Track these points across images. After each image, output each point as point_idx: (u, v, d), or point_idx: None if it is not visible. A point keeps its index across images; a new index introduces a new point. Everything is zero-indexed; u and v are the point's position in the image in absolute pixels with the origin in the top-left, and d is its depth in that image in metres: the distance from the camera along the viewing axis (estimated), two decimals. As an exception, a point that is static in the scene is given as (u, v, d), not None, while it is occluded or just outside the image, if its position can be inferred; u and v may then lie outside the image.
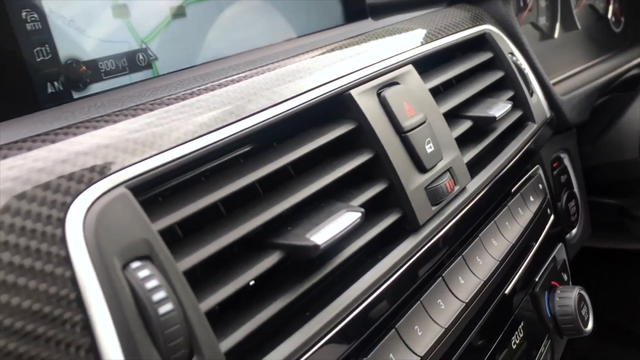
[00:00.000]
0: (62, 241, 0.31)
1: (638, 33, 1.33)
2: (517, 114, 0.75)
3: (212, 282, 0.38)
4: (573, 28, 1.14)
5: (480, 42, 0.77)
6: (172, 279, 0.34)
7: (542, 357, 0.69)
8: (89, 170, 0.35)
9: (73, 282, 0.31)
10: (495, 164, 0.67)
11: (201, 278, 0.38)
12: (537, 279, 0.71)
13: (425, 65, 0.66)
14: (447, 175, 0.57)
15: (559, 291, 0.72)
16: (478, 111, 0.67)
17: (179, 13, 0.58)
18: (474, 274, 0.59)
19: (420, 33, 0.70)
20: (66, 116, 0.42)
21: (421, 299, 0.53)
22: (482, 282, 0.59)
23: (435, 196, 0.55)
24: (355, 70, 0.55)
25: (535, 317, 0.70)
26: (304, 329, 0.41)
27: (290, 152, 0.47)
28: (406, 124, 0.54)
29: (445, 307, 0.54)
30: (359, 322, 0.46)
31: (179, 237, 0.40)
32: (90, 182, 0.34)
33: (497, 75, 0.75)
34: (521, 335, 0.66)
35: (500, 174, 0.67)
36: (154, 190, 0.40)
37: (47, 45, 0.47)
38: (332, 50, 0.59)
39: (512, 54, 0.79)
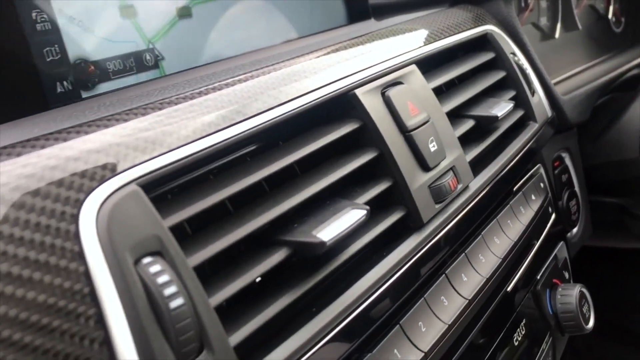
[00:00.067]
0: (76, 237, 0.32)
1: (638, 33, 1.33)
2: (519, 113, 0.76)
3: (221, 277, 0.39)
4: (574, 28, 1.15)
5: (482, 42, 0.78)
6: (182, 275, 0.35)
7: (543, 354, 0.69)
8: (100, 167, 0.35)
9: (87, 276, 0.32)
10: (497, 163, 0.67)
11: (210, 274, 0.39)
12: (538, 277, 0.72)
13: (428, 65, 0.67)
14: (450, 173, 0.58)
15: (560, 289, 0.72)
16: (480, 110, 0.68)
17: (185, 14, 0.58)
18: (476, 271, 0.60)
19: (423, 33, 0.70)
20: (77, 115, 0.42)
21: (425, 296, 0.53)
22: (485, 279, 0.59)
23: (438, 194, 0.55)
24: (359, 70, 0.56)
25: (537, 315, 0.71)
26: (310, 325, 0.42)
27: (296, 150, 0.47)
28: (410, 123, 0.55)
29: (449, 304, 0.55)
30: (364, 318, 0.46)
31: (188, 234, 0.40)
32: (102, 180, 0.35)
33: (499, 75, 0.76)
34: (523, 333, 0.67)
35: (502, 172, 0.68)
36: (164, 188, 0.40)
37: (56, 46, 0.48)
38: (337, 50, 0.60)
39: (513, 54, 0.80)
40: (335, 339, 0.43)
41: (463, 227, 0.59)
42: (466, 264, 0.59)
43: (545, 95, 0.85)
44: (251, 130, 0.45)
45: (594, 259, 1.12)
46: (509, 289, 0.65)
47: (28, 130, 0.39)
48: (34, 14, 0.47)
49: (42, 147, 0.36)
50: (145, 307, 0.32)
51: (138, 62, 0.54)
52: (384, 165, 0.53)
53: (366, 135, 0.53)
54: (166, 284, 0.33)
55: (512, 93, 0.76)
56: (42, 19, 0.47)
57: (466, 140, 0.65)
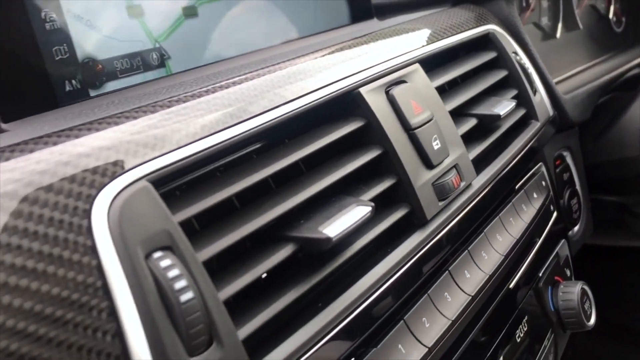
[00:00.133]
0: (89, 231, 0.33)
1: (639, 33, 1.34)
2: (521, 112, 0.77)
3: (229, 272, 0.39)
4: (575, 28, 1.16)
5: (485, 42, 0.79)
6: (192, 269, 0.35)
7: (545, 351, 0.70)
8: (111, 164, 0.36)
9: (99, 270, 0.32)
10: (499, 161, 0.68)
11: (217, 270, 0.40)
12: (540, 274, 0.73)
13: (431, 64, 0.68)
14: (454, 171, 0.58)
15: (562, 286, 0.73)
16: (483, 109, 0.68)
17: (190, 13, 0.59)
18: (479, 268, 0.60)
19: (425, 33, 0.71)
20: (86, 113, 0.43)
21: (428, 292, 0.54)
22: (488, 276, 0.60)
23: (442, 192, 0.56)
24: (363, 69, 0.56)
25: (539, 311, 0.71)
26: (316, 320, 0.43)
27: (302, 148, 0.48)
28: (414, 121, 0.56)
29: (452, 300, 0.56)
30: (369, 313, 0.47)
31: (196, 230, 0.41)
32: (114, 176, 0.35)
33: (501, 74, 0.77)
34: (525, 329, 0.67)
35: (505, 171, 0.68)
36: (172, 185, 0.41)
37: (65, 45, 0.49)
38: (341, 49, 0.61)
39: (515, 53, 0.80)
40: (341, 334, 0.44)
41: (466, 225, 0.60)
42: (469, 261, 0.60)
43: (547, 94, 0.86)
44: (257, 128, 0.46)
45: (594, 257, 1.12)
46: (511, 286, 0.66)
47: (39, 128, 0.40)
48: (43, 14, 0.47)
49: (54, 143, 0.36)
50: (156, 300, 0.33)
51: (145, 61, 0.55)
52: (388, 162, 0.54)
53: (370, 133, 0.54)
54: (176, 278, 0.34)
55: (514, 92, 0.77)
56: (51, 19, 0.48)
57: (469, 139, 0.66)
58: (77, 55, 0.50)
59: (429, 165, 0.56)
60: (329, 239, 0.42)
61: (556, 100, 0.89)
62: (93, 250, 0.33)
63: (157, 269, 0.34)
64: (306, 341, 0.41)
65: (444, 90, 0.68)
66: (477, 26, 0.78)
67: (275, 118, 0.47)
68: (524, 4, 1.05)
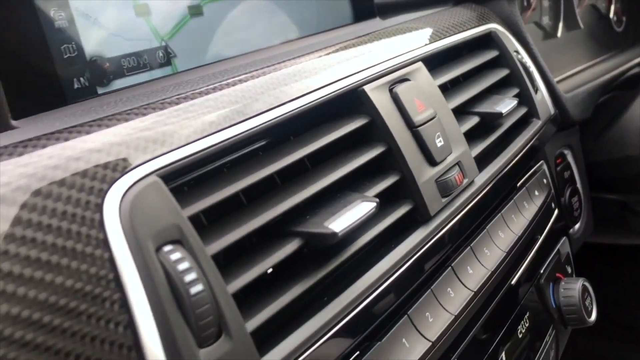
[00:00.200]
0: (101, 225, 0.33)
1: (639, 32, 1.34)
2: (522, 110, 0.77)
3: (237, 266, 0.40)
4: (575, 27, 1.16)
5: (486, 41, 0.79)
6: (201, 262, 0.36)
7: (546, 347, 0.70)
8: (122, 159, 0.37)
9: (111, 262, 0.33)
10: (501, 159, 0.69)
11: (225, 264, 0.40)
12: (542, 271, 0.73)
13: (433, 63, 0.68)
14: (456, 168, 0.59)
15: (563, 283, 0.73)
16: (485, 107, 0.69)
17: (196, 12, 0.60)
18: (481, 264, 0.61)
19: (428, 32, 0.72)
20: (95, 110, 0.44)
21: (432, 287, 0.55)
22: (490, 272, 0.61)
23: (445, 188, 0.57)
24: (367, 67, 0.57)
25: (540, 308, 0.72)
26: (322, 313, 0.43)
27: (307, 145, 0.49)
28: (417, 118, 0.56)
29: (455, 295, 0.56)
30: (373, 308, 0.48)
31: (204, 225, 0.42)
32: (124, 171, 0.36)
33: (503, 72, 0.77)
34: (527, 325, 0.68)
35: (507, 168, 0.69)
36: (180, 180, 0.42)
37: (73, 43, 0.49)
38: (345, 48, 0.61)
39: (517, 52, 0.81)
40: (346, 327, 0.44)
41: (468, 221, 0.61)
42: (471, 257, 0.61)
43: (548, 92, 0.86)
44: (263, 125, 0.46)
45: (595, 255, 1.13)
46: (513, 282, 0.67)
47: (49, 124, 0.41)
48: (51, 12, 0.48)
49: (66, 139, 0.37)
50: (166, 292, 0.34)
51: (151, 59, 0.55)
52: (392, 159, 0.54)
53: (374, 130, 0.54)
54: (186, 271, 0.34)
55: (515, 90, 0.78)
56: (60, 17, 0.48)
57: (471, 136, 0.67)
58: (85, 54, 0.50)
59: (432, 162, 0.57)
60: (334, 234, 0.43)
61: (557, 99, 0.90)
62: (105, 243, 0.33)
63: (167, 262, 0.34)
64: (312, 334, 0.42)
65: (447, 89, 0.69)
66: (479, 25, 0.79)
67: (281, 115, 0.48)
68: (525, 4, 1.05)
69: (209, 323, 0.35)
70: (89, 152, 0.36)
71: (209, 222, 0.42)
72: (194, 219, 0.38)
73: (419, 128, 0.56)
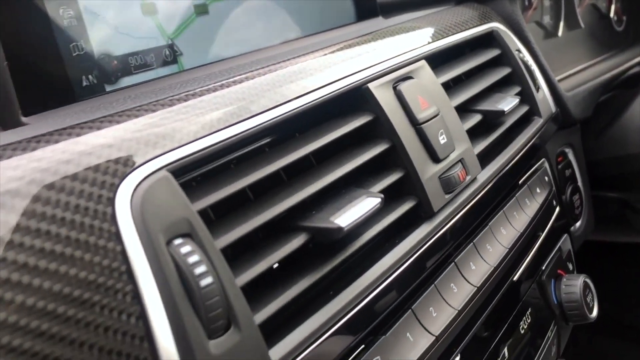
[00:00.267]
0: (113, 218, 0.34)
1: (639, 32, 1.35)
2: (524, 108, 0.78)
3: (245, 260, 0.41)
4: (576, 27, 1.17)
5: (488, 40, 0.80)
6: (210, 256, 0.37)
7: (548, 342, 0.71)
8: (132, 154, 0.37)
9: (123, 255, 0.34)
10: (503, 156, 0.69)
11: (232, 258, 0.41)
12: (543, 268, 0.74)
13: (436, 61, 0.69)
14: (459, 165, 0.60)
15: (565, 279, 0.74)
16: (487, 105, 0.70)
17: (202, 11, 0.60)
18: (484, 260, 0.62)
19: (430, 30, 0.72)
20: (105, 106, 0.44)
21: (435, 283, 0.55)
22: (492, 268, 0.61)
23: (448, 185, 0.57)
24: (371, 65, 0.58)
25: (542, 304, 0.72)
26: (327, 307, 0.44)
27: (312, 141, 0.49)
28: (421, 116, 0.57)
29: (458, 290, 0.57)
30: (378, 302, 0.48)
31: (212, 220, 0.42)
32: (135, 165, 0.37)
33: (505, 71, 0.78)
34: (529, 321, 0.69)
35: (509, 165, 0.70)
36: (189, 176, 0.42)
37: (82, 41, 0.50)
38: (349, 46, 0.62)
39: (518, 50, 0.82)
40: (351, 321, 0.45)
41: (471, 217, 0.61)
42: (474, 253, 0.61)
43: (550, 91, 0.87)
44: (270, 121, 0.47)
45: (596, 253, 1.13)
46: (515, 278, 0.67)
47: (60, 120, 0.41)
48: (61, 11, 0.49)
49: (78, 135, 0.38)
50: (177, 284, 0.34)
51: (158, 57, 0.56)
52: (396, 156, 0.55)
53: (379, 127, 0.55)
54: (196, 264, 0.35)
55: (517, 89, 0.78)
56: (69, 15, 0.49)
57: (474, 134, 0.67)
58: (93, 52, 0.51)
59: (435, 159, 0.57)
60: (340, 229, 0.44)
61: (558, 98, 0.91)
62: (117, 236, 0.34)
63: (177, 255, 0.35)
64: (318, 327, 0.42)
65: (449, 87, 0.70)
66: (481, 24, 0.80)
67: (287, 112, 0.49)
68: (527, 3, 1.06)
69: (218, 315, 0.35)
70: (101, 147, 0.37)
71: (216, 217, 0.43)
72: (203, 214, 0.39)
73: (423, 125, 0.57)
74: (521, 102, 0.77)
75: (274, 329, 0.40)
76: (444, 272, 0.57)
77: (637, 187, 1.03)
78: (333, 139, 0.51)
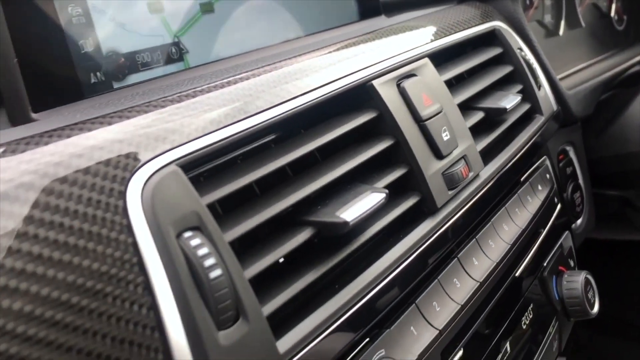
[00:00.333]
0: (124, 211, 0.35)
1: (640, 31, 1.36)
2: (526, 106, 0.79)
3: (252, 253, 0.41)
4: (577, 26, 1.18)
5: (490, 38, 0.81)
6: (219, 248, 0.37)
7: (550, 337, 0.72)
8: (143, 149, 0.38)
9: (134, 247, 0.34)
10: (506, 153, 0.70)
11: (240, 252, 0.42)
12: (545, 264, 0.75)
13: (439, 59, 0.69)
14: (462, 162, 0.60)
15: (566, 275, 0.75)
16: (489, 103, 0.70)
17: (207, 9, 0.61)
18: (486, 256, 0.62)
19: (433, 29, 0.73)
20: (114, 103, 0.45)
21: (438, 278, 0.56)
22: (495, 263, 0.62)
23: (451, 181, 0.58)
24: (375, 63, 0.58)
25: (543, 300, 0.73)
26: (333, 300, 0.45)
27: (318, 138, 0.50)
28: (424, 113, 0.58)
29: (461, 285, 0.58)
30: (383, 296, 0.49)
31: (220, 214, 0.43)
32: (145, 160, 0.37)
33: (507, 69, 0.79)
34: (530, 317, 0.69)
35: (511, 162, 0.70)
36: (197, 171, 0.43)
37: (90, 38, 0.51)
38: (353, 44, 0.63)
39: (520, 49, 0.82)
40: (357, 314, 0.46)
41: (474, 213, 0.62)
42: (477, 249, 0.62)
43: (551, 89, 0.88)
44: (276, 117, 0.48)
45: (596, 251, 1.14)
46: (517, 274, 0.68)
47: (71, 116, 0.42)
48: (69, 9, 0.49)
49: (89, 130, 0.38)
50: (187, 276, 0.35)
51: (164, 55, 0.57)
52: (400, 152, 0.55)
53: (383, 124, 0.55)
54: (206, 256, 0.36)
55: (519, 87, 0.79)
56: (77, 13, 0.50)
57: (476, 131, 0.68)
58: (101, 49, 0.52)
59: (438, 155, 0.58)
60: (346, 223, 0.44)
61: (560, 96, 0.91)
62: (129, 228, 0.35)
63: (187, 247, 0.36)
64: (324, 320, 0.43)
65: (452, 85, 0.70)
66: (483, 23, 0.80)
67: (292, 109, 0.49)
68: (528, 2, 1.06)
69: (227, 306, 0.36)
70: (111, 142, 0.37)
71: (224, 212, 0.44)
72: (211, 208, 0.39)
73: (426, 122, 0.57)
74: (523, 100, 0.77)
75: (281, 321, 0.41)
76: (447, 267, 0.57)
77: (637, 185, 1.04)
78: (338, 136, 0.51)
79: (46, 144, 0.36)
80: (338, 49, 0.61)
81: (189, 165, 0.40)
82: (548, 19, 1.13)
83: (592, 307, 0.73)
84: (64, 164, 0.35)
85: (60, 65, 0.48)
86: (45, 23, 0.47)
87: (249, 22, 0.65)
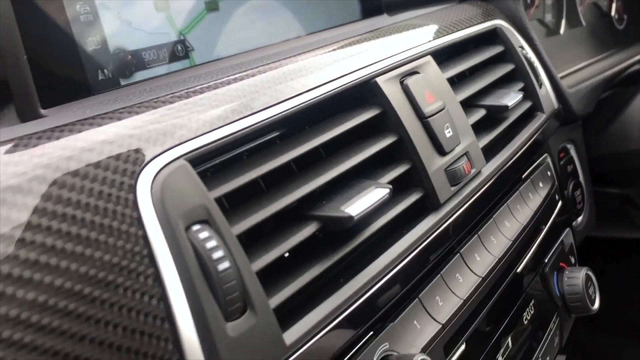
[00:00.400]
0: (134, 204, 0.35)
1: (640, 30, 1.37)
2: (527, 104, 0.79)
3: (259, 247, 0.42)
4: (578, 25, 1.18)
5: (492, 36, 0.81)
6: (227, 241, 0.38)
7: (551, 333, 0.72)
8: (152, 143, 0.39)
9: (145, 240, 0.35)
10: (507, 150, 0.71)
11: (247, 245, 0.42)
12: (546, 260, 0.75)
13: (441, 57, 0.70)
14: (465, 158, 0.61)
15: (567, 271, 0.75)
16: (491, 100, 0.71)
17: (212, 7, 0.62)
18: (488, 251, 0.63)
19: (435, 27, 0.73)
20: (122, 99, 0.46)
21: (441, 273, 0.57)
22: (497, 259, 0.63)
23: (454, 177, 0.59)
24: (379, 60, 0.59)
25: (545, 296, 0.74)
26: (338, 294, 0.45)
27: (322, 134, 0.51)
28: (427, 110, 0.58)
29: (463, 280, 0.58)
30: (386, 290, 0.49)
31: (227, 208, 0.44)
32: (155, 154, 0.38)
33: (508, 67, 0.79)
34: (532, 312, 0.70)
35: (512, 159, 0.71)
36: (204, 166, 0.44)
37: (98, 36, 0.51)
38: (356, 42, 0.63)
39: (521, 47, 0.83)
40: (361, 308, 0.46)
41: (476, 210, 0.63)
42: (479, 245, 0.63)
43: (552, 87, 0.88)
44: (281, 114, 0.48)
45: (597, 249, 1.15)
46: (518, 270, 0.69)
47: (80, 112, 0.43)
48: (78, 7, 0.50)
49: (99, 125, 0.39)
50: (196, 268, 0.36)
51: (170, 52, 0.58)
52: (403, 149, 0.56)
53: (386, 121, 0.56)
54: (214, 249, 0.36)
55: (520, 85, 0.79)
56: (85, 11, 0.50)
57: (478, 129, 0.68)
58: (109, 47, 0.52)
59: (441, 152, 0.58)
60: (351, 217, 0.45)
61: (561, 94, 0.92)
62: (139, 221, 0.35)
63: (196, 240, 0.36)
64: (329, 313, 0.43)
65: (453, 82, 0.71)
66: (485, 21, 0.81)
67: (297, 105, 0.50)
68: (529, 1, 1.07)
69: (235, 298, 0.37)
70: (122, 136, 0.38)
71: (230, 207, 0.44)
72: (218, 202, 0.40)
73: (429, 119, 0.58)
74: (524, 98, 0.78)
75: (288, 314, 0.42)
76: (450, 263, 0.58)
77: (638, 183, 1.04)
78: (342, 132, 0.52)
79: (57, 138, 0.37)
80: (342, 47, 0.62)
81: (197, 160, 0.41)
82: (549, 17, 1.13)
83: (592, 303, 0.74)
84: (76, 158, 0.35)
85: (69, 63, 0.49)
86: (54, 21, 0.47)
87: (253, 21, 0.66)
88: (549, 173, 0.83)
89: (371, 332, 0.48)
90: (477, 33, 0.78)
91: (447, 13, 0.79)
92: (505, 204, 0.69)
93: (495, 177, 0.66)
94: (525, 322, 0.69)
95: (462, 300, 0.56)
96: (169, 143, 0.39)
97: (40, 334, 0.30)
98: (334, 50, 0.60)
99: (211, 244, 0.36)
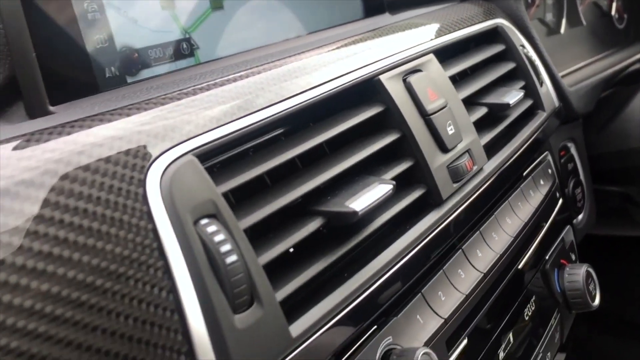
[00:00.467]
0: (144, 198, 0.36)
1: (640, 30, 1.37)
2: (528, 102, 0.80)
3: (266, 241, 0.43)
4: (578, 24, 1.19)
5: (493, 35, 0.82)
6: (234, 235, 0.39)
7: (552, 329, 0.73)
8: (160, 139, 0.39)
9: (154, 233, 0.36)
10: (509, 148, 0.71)
11: (253, 239, 0.43)
12: (547, 257, 0.76)
13: (442, 56, 0.71)
14: (467, 155, 0.62)
15: (568, 268, 0.76)
16: (493, 98, 0.72)
17: (217, 6, 0.63)
18: (490, 247, 0.64)
19: (437, 26, 0.74)
20: (129, 96, 0.46)
21: (443, 268, 0.57)
22: (498, 255, 0.63)
23: (456, 174, 0.59)
24: (382, 58, 0.60)
25: (545, 292, 0.74)
26: (342, 288, 0.46)
27: (326, 131, 0.51)
28: (429, 107, 0.59)
29: (465, 276, 0.59)
30: (390, 285, 0.50)
31: (233, 203, 0.44)
32: (164, 150, 0.39)
33: (509, 66, 0.80)
34: (533, 308, 0.71)
35: (514, 157, 0.72)
36: (211, 162, 0.44)
37: (105, 34, 0.52)
38: (359, 40, 0.64)
39: (523, 46, 0.84)
40: (364, 302, 0.47)
41: (478, 206, 0.63)
42: (481, 241, 0.63)
43: (553, 86, 0.89)
44: (286, 111, 0.49)
45: (597, 247, 1.15)
46: (520, 266, 0.69)
47: (89, 109, 0.43)
48: (85, 4, 0.51)
49: (109, 121, 0.40)
50: (204, 261, 0.36)
51: (176, 50, 0.58)
52: (406, 146, 0.57)
53: (389, 118, 0.57)
54: (222, 242, 0.37)
55: (521, 83, 0.80)
56: (92, 9, 0.51)
57: (480, 126, 0.69)
58: (115, 44, 0.53)
59: (444, 149, 0.59)
60: (355, 212, 0.46)
61: (561, 92, 0.92)
62: (149, 215, 0.36)
63: (204, 233, 0.37)
64: (334, 307, 0.44)
65: (455, 81, 0.72)
66: (486, 20, 0.81)
67: (302, 102, 0.51)
68: (530, 0, 1.08)
69: (242, 291, 0.37)
70: (131, 132, 0.39)
71: (236, 202, 0.45)
72: (225, 197, 0.41)
73: (432, 116, 0.59)
74: (525, 96, 0.79)
75: (293, 307, 0.42)
76: (452, 258, 0.59)
77: (638, 181, 1.05)
78: (346, 129, 0.53)
79: (68, 134, 0.38)
80: (345, 45, 0.62)
81: (204, 155, 0.41)
82: (550, 17, 1.14)
83: (593, 299, 0.75)
84: (86, 152, 0.36)
85: (77, 60, 0.49)
86: (62, 19, 0.48)
87: (257, 19, 0.66)
88: (549, 171, 0.84)
89: (375, 326, 0.49)
90: (478, 32, 0.78)
91: (448, 12, 0.80)
92: (507, 201, 0.70)
93: (497, 174, 0.67)
94: (527, 318, 0.69)
95: (464, 296, 0.57)
96: (177, 139, 0.40)
97: (54, 324, 0.31)
98: (337, 48, 0.61)
99: (219, 237, 0.37)
